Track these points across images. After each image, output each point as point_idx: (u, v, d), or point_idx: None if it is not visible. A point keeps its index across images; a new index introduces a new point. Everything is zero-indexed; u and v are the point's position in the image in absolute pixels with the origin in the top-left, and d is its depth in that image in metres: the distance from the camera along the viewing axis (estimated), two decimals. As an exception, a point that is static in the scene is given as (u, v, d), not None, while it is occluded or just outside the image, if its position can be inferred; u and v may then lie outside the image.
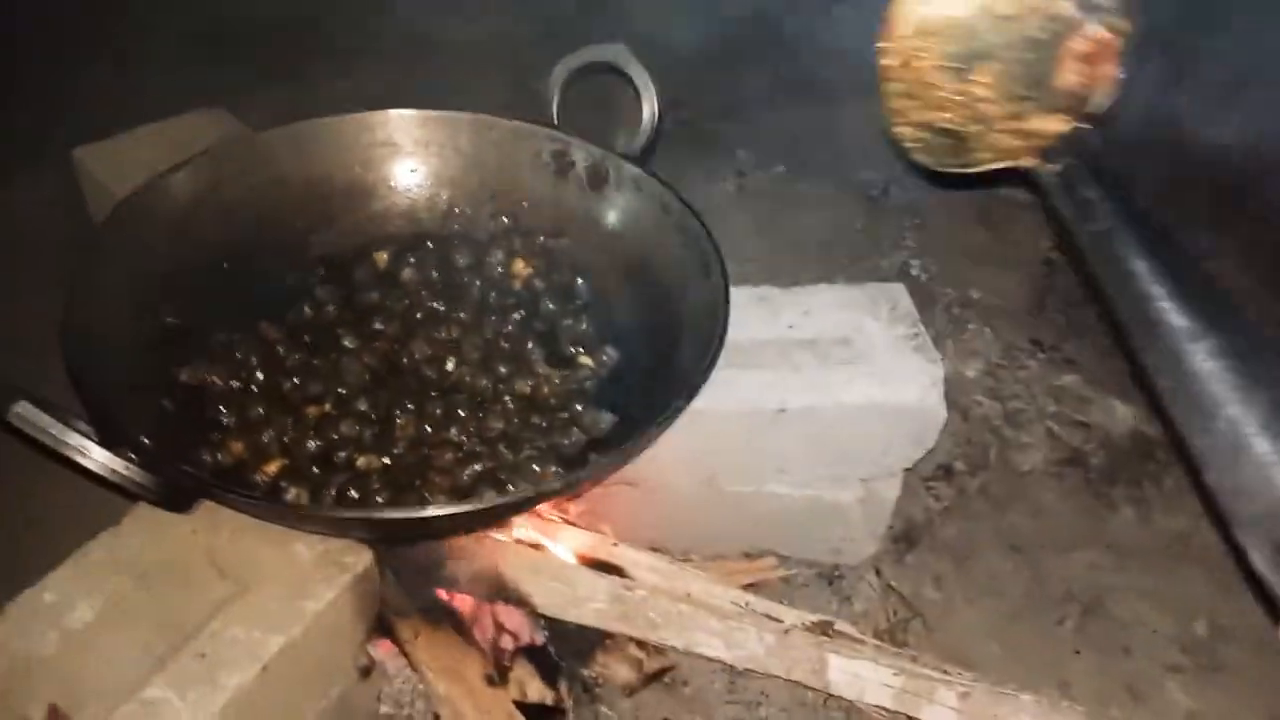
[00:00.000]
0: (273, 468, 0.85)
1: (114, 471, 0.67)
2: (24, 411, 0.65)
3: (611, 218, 1.09)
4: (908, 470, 1.17)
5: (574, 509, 1.11)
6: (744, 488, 1.13)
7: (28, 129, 1.65)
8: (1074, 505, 1.29)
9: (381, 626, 0.97)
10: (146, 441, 0.73)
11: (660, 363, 0.97)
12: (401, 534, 0.86)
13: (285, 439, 0.88)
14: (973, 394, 1.42)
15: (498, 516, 0.90)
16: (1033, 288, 1.60)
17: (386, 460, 0.90)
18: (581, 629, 1.03)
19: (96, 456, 0.67)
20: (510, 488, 0.87)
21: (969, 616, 1.17)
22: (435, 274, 1.08)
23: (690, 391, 0.84)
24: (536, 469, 0.89)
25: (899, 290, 1.20)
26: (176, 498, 0.72)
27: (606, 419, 0.96)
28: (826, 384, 1.08)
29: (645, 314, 1.03)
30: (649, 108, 1.07)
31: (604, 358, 1.03)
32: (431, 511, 0.75)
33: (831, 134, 1.83)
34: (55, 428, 0.66)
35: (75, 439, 0.66)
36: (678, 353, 0.96)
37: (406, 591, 1.01)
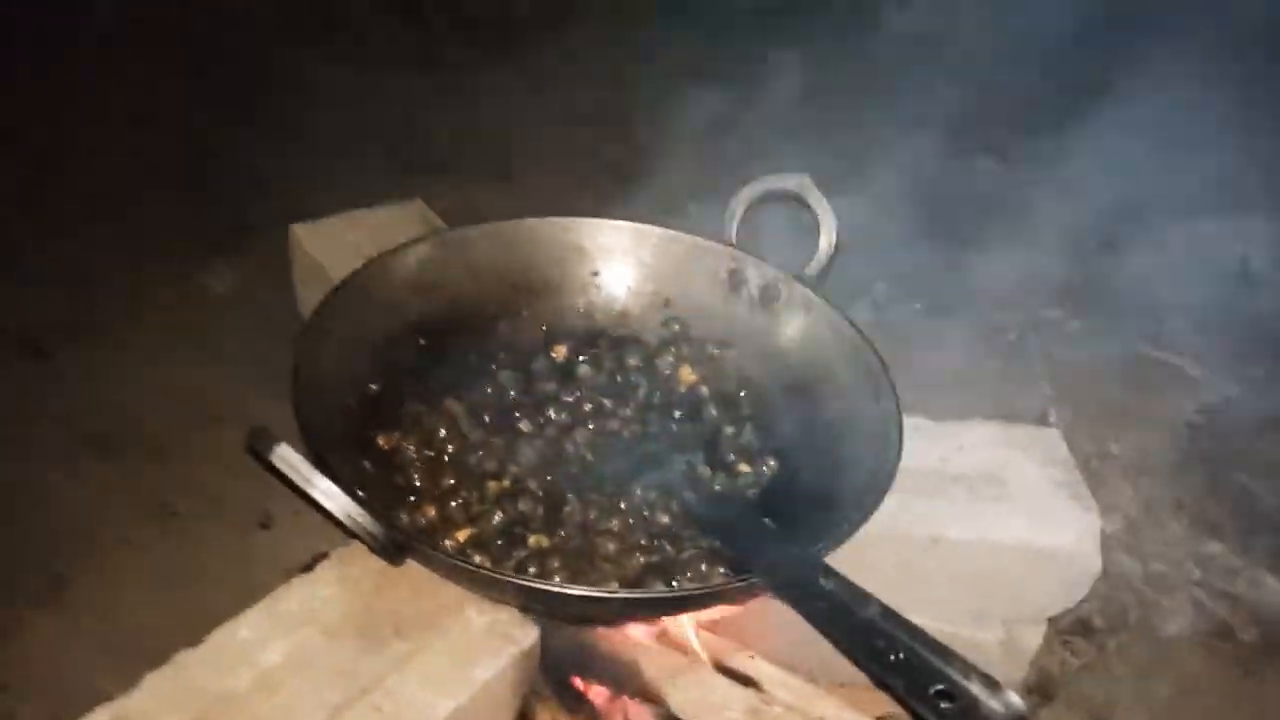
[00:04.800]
0: (463, 535, 0.90)
1: (349, 517, 0.73)
2: (285, 454, 0.72)
3: (780, 335, 1.14)
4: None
5: (713, 615, 1.12)
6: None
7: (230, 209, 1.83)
8: (1224, 682, 1.23)
9: (523, 706, 0.99)
10: (363, 495, 0.79)
11: (822, 481, 1.00)
12: (573, 612, 0.89)
13: (472, 511, 0.93)
14: (1112, 550, 1.38)
15: (661, 609, 0.92)
16: (1175, 448, 1.57)
17: (554, 541, 0.94)
18: (712, 738, 1.03)
19: (338, 502, 0.72)
20: (675, 583, 0.89)
21: (1110, 785, 1.13)
22: (607, 372, 1.14)
23: (862, 515, 0.86)
24: (702, 568, 0.91)
25: (1054, 435, 1.21)
26: (393, 550, 0.77)
27: (769, 527, 0.98)
28: (981, 519, 1.08)
29: (808, 431, 1.06)
30: (827, 236, 1.13)
31: (764, 468, 1.06)
32: (613, 595, 0.78)
33: (968, 276, 1.87)
34: (309, 471, 0.72)
35: (324, 484, 0.72)
36: (841, 473, 0.98)
37: (548, 674, 1.03)
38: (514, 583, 0.78)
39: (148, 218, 1.80)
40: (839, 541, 0.82)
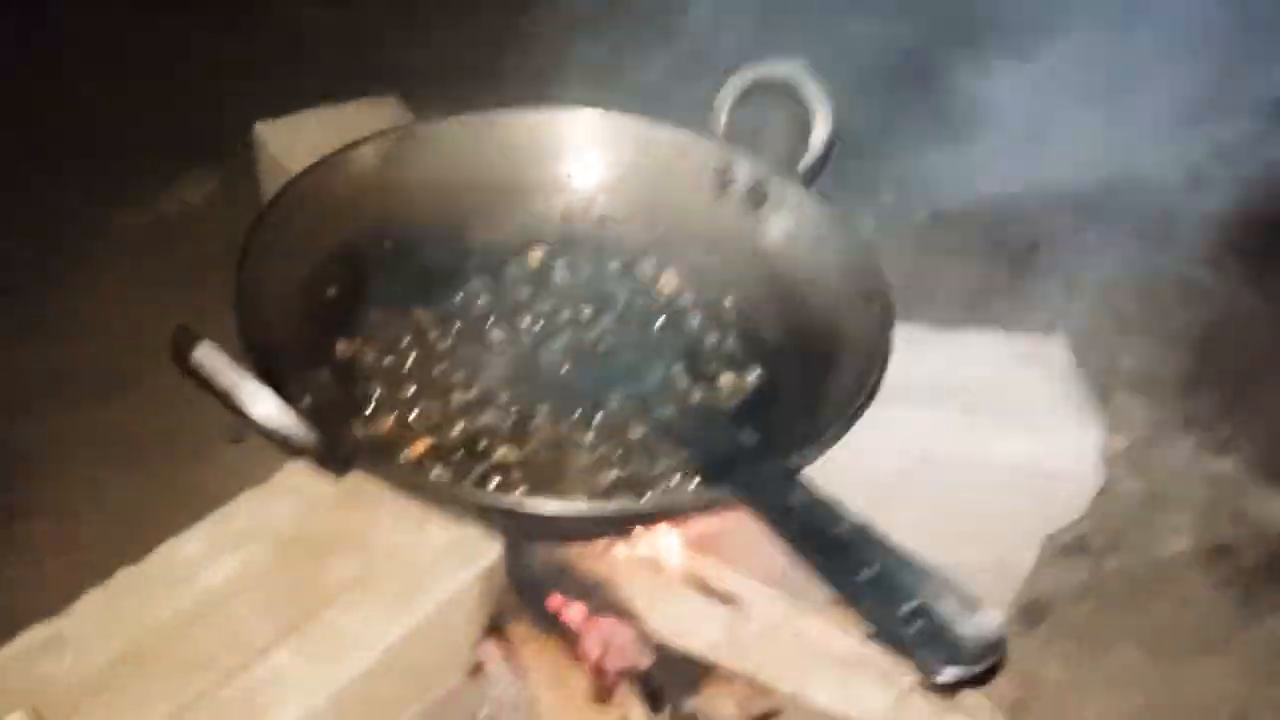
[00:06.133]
0: (420, 447, 0.85)
1: (281, 424, 0.67)
2: (207, 355, 0.66)
3: (768, 238, 1.06)
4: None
5: (693, 531, 1.07)
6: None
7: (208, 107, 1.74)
8: (1221, 603, 1.19)
9: (492, 626, 0.96)
10: (308, 402, 0.73)
11: (808, 392, 0.94)
12: (534, 528, 0.84)
13: (432, 421, 0.88)
14: (1116, 468, 1.33)
15: (628, 523, 0.88)
16: (1189, 363, 1.50)
17: (522, 454, 0.89)
18: (689, 658, 1.00)
19: (266, 408, 0.66)
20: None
21: (1095, 708, 1.10)
22: (584, 278, 1.08)
23: (842, 425, 0.80)
24: (674, 482, 0.86)
25: (1059, 346, 1.14)
26: (334, 460, 0.72)
27: (747, 439, 0.92)
28: (975, 434, 1.03)
29: (795, 339, 1.00)
30: (823, 129, 1.05)
31: (747, 378, 1.00)
32: (574, 510, 0.73)
33: (981, 182, 1.77)
34: (234, 372, 0.66)
35: (250, 386, 0.66)
36: (828, 383, 0.92)
37: (520, 593, 1.00)
38: (463, 496, 0.72)
39: (117, 132, 1.72)
40: (815, 453, 0.76)
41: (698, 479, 0.86)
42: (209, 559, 0.78)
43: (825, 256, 1.00)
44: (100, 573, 1.06)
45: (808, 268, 1.02)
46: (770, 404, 0.96)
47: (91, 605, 0.74)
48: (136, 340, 1.34)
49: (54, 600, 1.02)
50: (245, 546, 0.79)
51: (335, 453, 0.70)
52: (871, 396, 0.81)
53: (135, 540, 1.06)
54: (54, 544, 1.12)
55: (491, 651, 0.97)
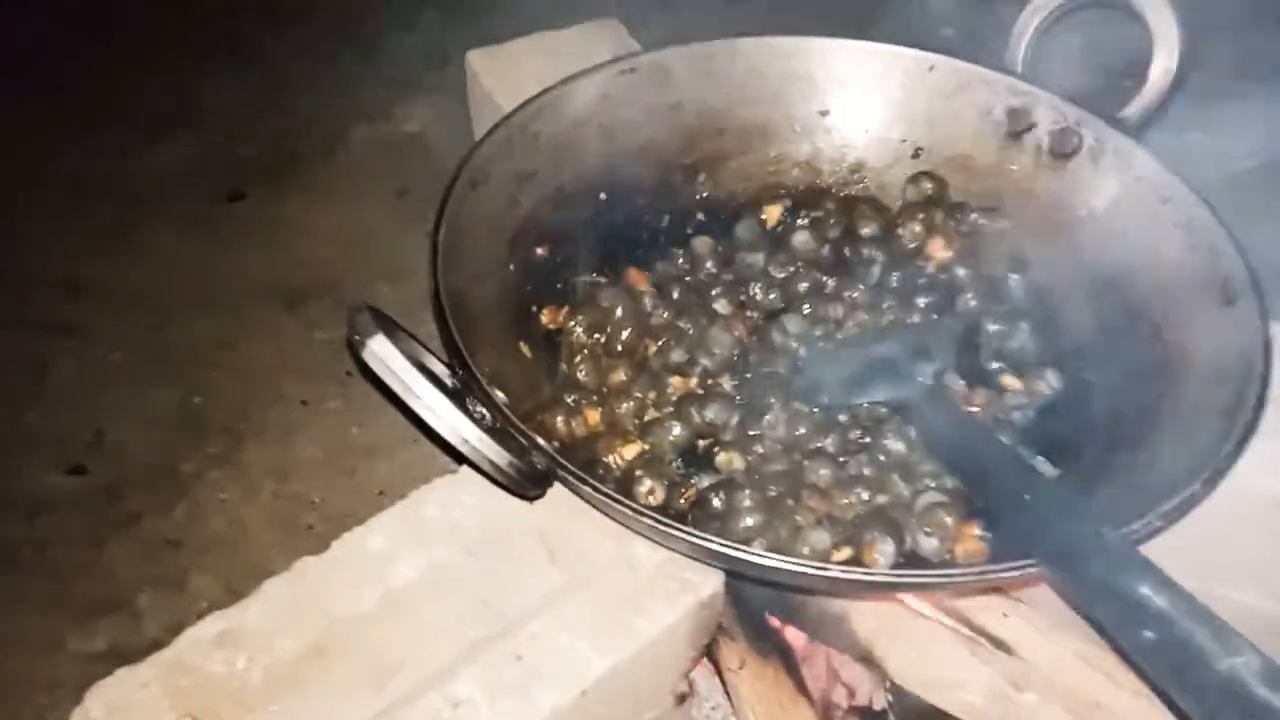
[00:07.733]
0: (629, 451, 0.71)
1: (464, 440, 0.55)
2: (380, 351, 0.53)
3: (1078, 202, 0.84)
4: None
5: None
6: (1186, 582, 0.84)
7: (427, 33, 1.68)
8: None
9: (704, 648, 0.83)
10: (502, 396, 0.61)
11: (1129, 412, 0.72)
12: (757, 576, 0.68)
13: (645, 416, 0.74)
14: None
15: (890, 591, 0.71)
16: None
17: (749, 462, 0.74)
18: (939, 713, 0.82)
19: (446, 418, 0.54)
20: (910, 539, 0.67)
21: None
22: (832, 241, 0.89)
23: (1211, 478, 0.58)
24: (946, 520, 0.67)
25: None
26: (527, 483, 0.59)
27: (1041, 468, 0.72)
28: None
29: (1112, 339, 0.78)
30: (1165, 58, 0.80)
31: (1040, 384, 0.79)
32: (811, 571, 0.56)
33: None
34: (409, 375, 0.54)
35: (427, 393, 0.54)
36: (1162, 406, 0.70)
37: (737, 611, 0.86)
38: (678, 538, 0.58)
39: (348, 53, 1.70)
40: (1169, 519, 0.55)
41: (979, 525, 0.67)
42: (395, 556, 0.69)
43: (1160, 233, 0.76)
44: (306, 510, 1.05)
45: (1133, 245, 0.78)
46: (1071, 427, 0.74)
47: (270, 599, 0.67)
48: (358, 260, 1.33)
49: (262, 533, 1.02)
50: (435, 545, 0.70)
51: (526, 474, 0.57)
52: (1245, 441, 0.58)
53: (342, 479, 1.08)
54: (268, 473, 1.10)
55: (702, 676, 0.84)
